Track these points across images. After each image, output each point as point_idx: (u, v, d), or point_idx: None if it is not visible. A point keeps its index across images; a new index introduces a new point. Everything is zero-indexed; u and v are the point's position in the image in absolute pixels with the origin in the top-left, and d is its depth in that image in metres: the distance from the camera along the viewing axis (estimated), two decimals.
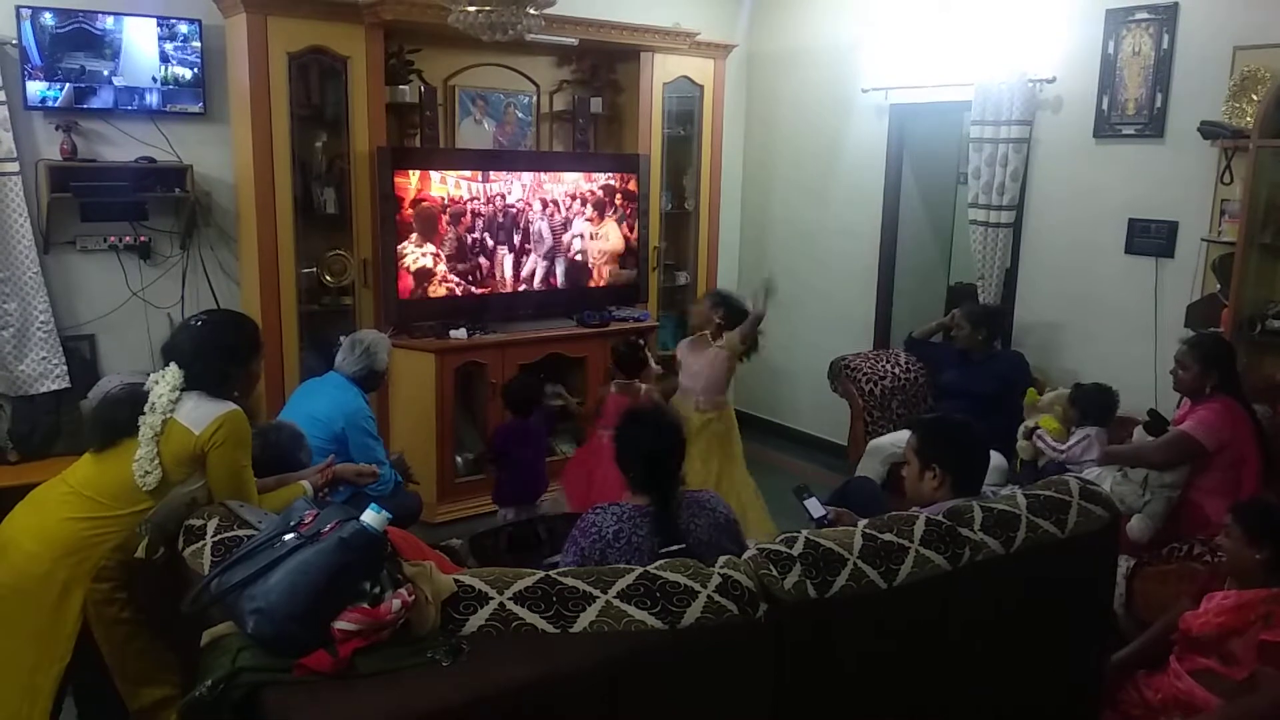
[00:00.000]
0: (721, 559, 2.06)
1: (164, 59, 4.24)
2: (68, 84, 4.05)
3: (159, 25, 4.20)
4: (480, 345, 4.74)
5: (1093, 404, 3.93)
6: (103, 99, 4.14)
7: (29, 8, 3.91)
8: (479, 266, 4.85)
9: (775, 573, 2.03)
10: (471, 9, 3.43)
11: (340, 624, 1.70)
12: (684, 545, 2.31)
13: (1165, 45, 4.22)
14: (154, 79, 4.24)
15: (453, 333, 4.71)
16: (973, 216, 4.93)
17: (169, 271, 4.49)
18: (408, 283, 4.62)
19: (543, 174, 4.99)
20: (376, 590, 1.76)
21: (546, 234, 5.05)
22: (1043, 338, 4.82)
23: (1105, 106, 4.45)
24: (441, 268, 4.71)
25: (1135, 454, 3.53)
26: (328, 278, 4.60)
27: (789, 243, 6.12)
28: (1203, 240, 4.14)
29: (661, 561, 2.02)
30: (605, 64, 5.37)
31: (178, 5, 4.27)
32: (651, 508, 2.40)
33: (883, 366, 4.93)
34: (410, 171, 4.56)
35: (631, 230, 5.29)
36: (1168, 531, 3.41)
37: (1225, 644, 2.50)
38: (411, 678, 1.68)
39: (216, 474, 2.40)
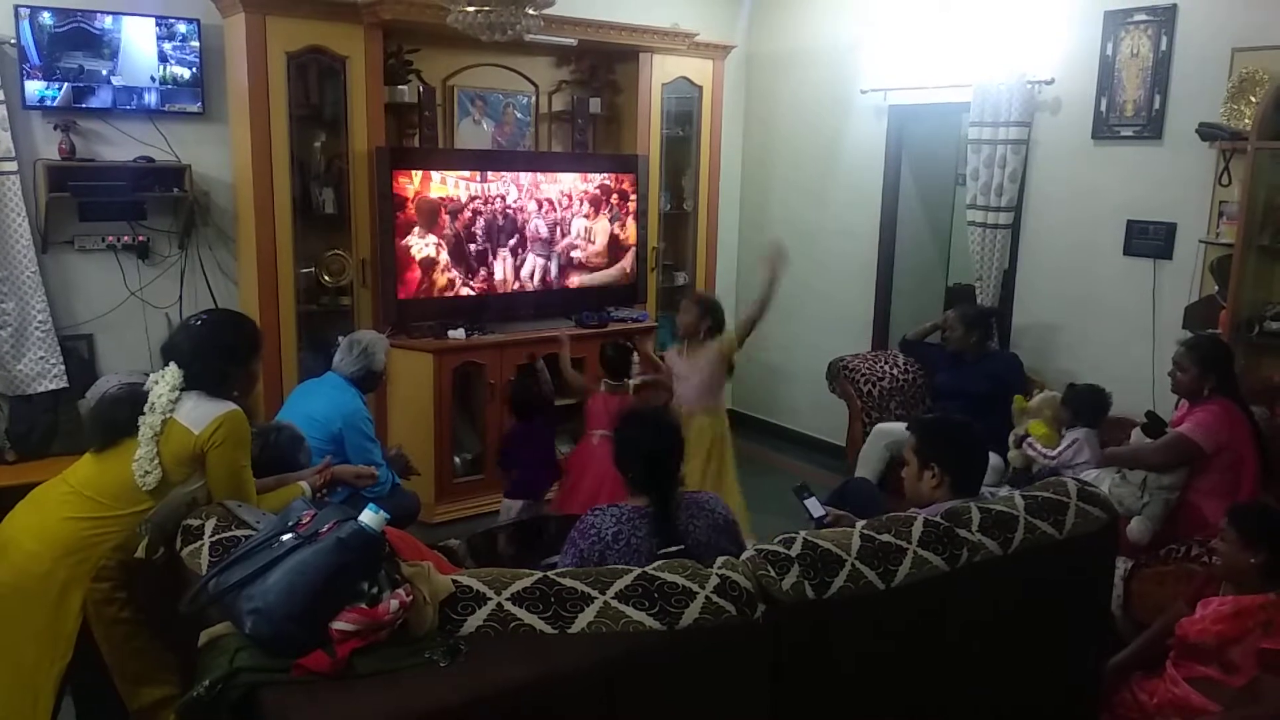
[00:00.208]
0: (719, 560, 2.06)
1: (162, 58, 4.24)
2: (66, 83, 4.05)
3: (157, 25, 4.20)
4: (478, 345, 4.74)
5: (1085, 405, 3.94)
6: (101, 98, 4.13)
7: (27, 7, 3.91)
8: (477, 267, 4.85)
9: (773, 573, 2.03)
10: (470, 9, 3.43)
11: (338, 624, 1.70)
12: (683, 546, 2.31)
13: (1164, 47, 4.22)
14: (152, 79, 4.23)
15: (451, 333, 4.71)
16: (971, 217, 4.93)
17: (167, 271, 4.49)
18: (415, 273, 4.63)
19: (541, 174, 5.00)
20: (374, 590, 1.75)
21: (545, 234, 5.05)
22: (1041, 339, 4.82)
23: (1104, 108, 4.46)
24: (445, 256, 4.72)
25: (1133, 456, 3.54)
26: (326, 278, 4.60)
27: (788, 243, 6.07)
28: (1201, 242, 4.14)
29: (660, 562, 2.02)
30: (604, 64, 5.37)
31: (176, 5, 4.27)
32: (650, 509, 2.41)
33: (881, 367, 4.93)
34: (412, 172, 4.56)
35: (623, 228, 5.28)
36: (1165, 533, 3.42)
37: (1224, 652, 2.49)
38: (409, 678, 1.67)
39: (216, 474, 2.40)
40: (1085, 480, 2.69)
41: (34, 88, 3.99)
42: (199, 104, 4.36)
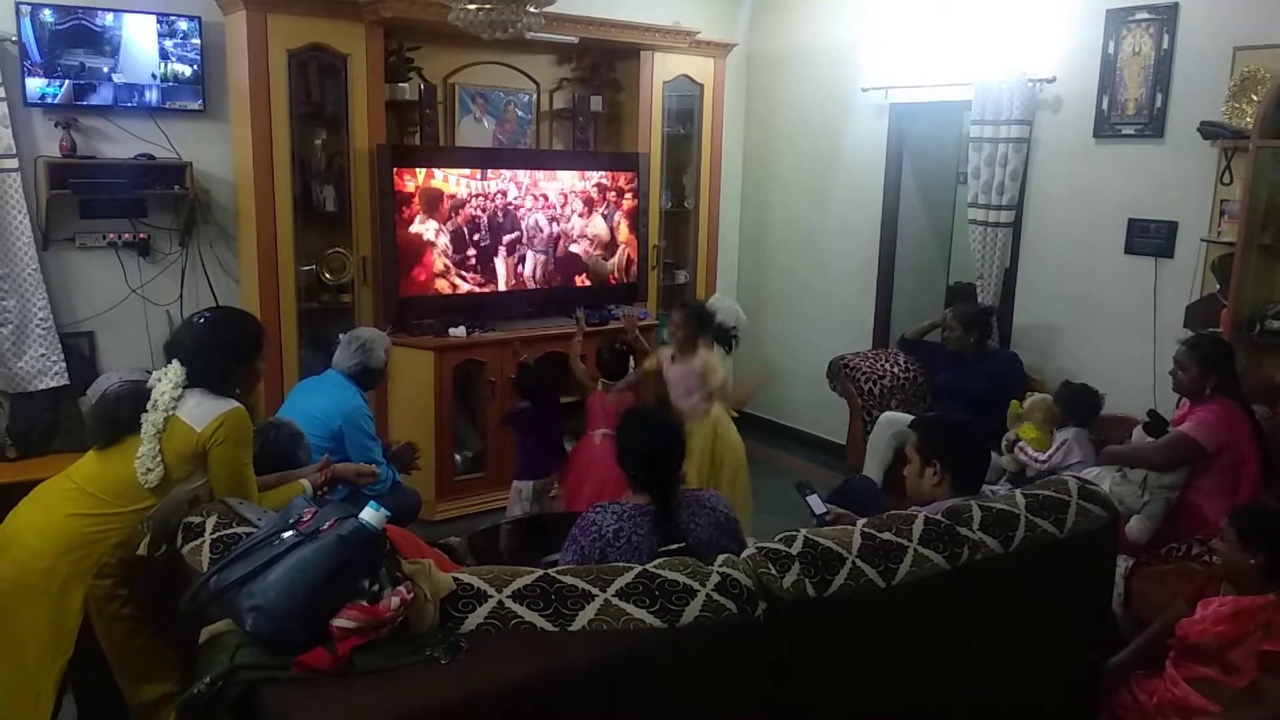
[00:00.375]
0: (720, 557, 2.06)
1: (164, 56, 4.24)
2: (67, 81, 4.04)
3: (159, 22, 4.20)
4: (479, 343, 4.74)
5: (1077, 404, 3.95)
6: (102, 96, 4.13)
7: (29, 4, 3.91)
8: (478, 265, 4.85)
9: (774, 571, 2.03)
10: (471, 7, 3.42)
11: (339, 621, 1.70)
12: (683, 544, 2.31)
13: (1165, 45, 4.22)
14: (153, 76, 4.23)
15: (451, 331, 4.71)
16: (972, 216, 4.93)
17: (168, 269, 4.49)
18: (430, 257, 4.66)
19: (542, 172, 5.00)
20: (375, 588, 1.76)
21: (546, 232, 5.05)
22: (1041, 338, 4.82)
23: (1105, 106, 4.45)
24: (444, 240, 4.71)
25: (1135, 455, 3.53)
26: (327, 275, 4.60)
27: (788, 242, 6.12)
28: (1202, 240, 4.14)
29: (660, 560, 2.02)
30: (605, 62, 5.37)
31: (177, 2, 4.27)
32: (652, 507, 2.41)
33: (882, 366, 4.93)
34: (416, 170, 4.57)
35: (623, 226, 5.28)
36: (1166, 531, 3.41)
37: (1225, 653, 2.49)
38: (410, 675, 1.68)
39: (217, 472, 2.40)
40: (1086, 479, 2.68)
41: (35, 85, 3.99)
42: (200, 101, 4.36)
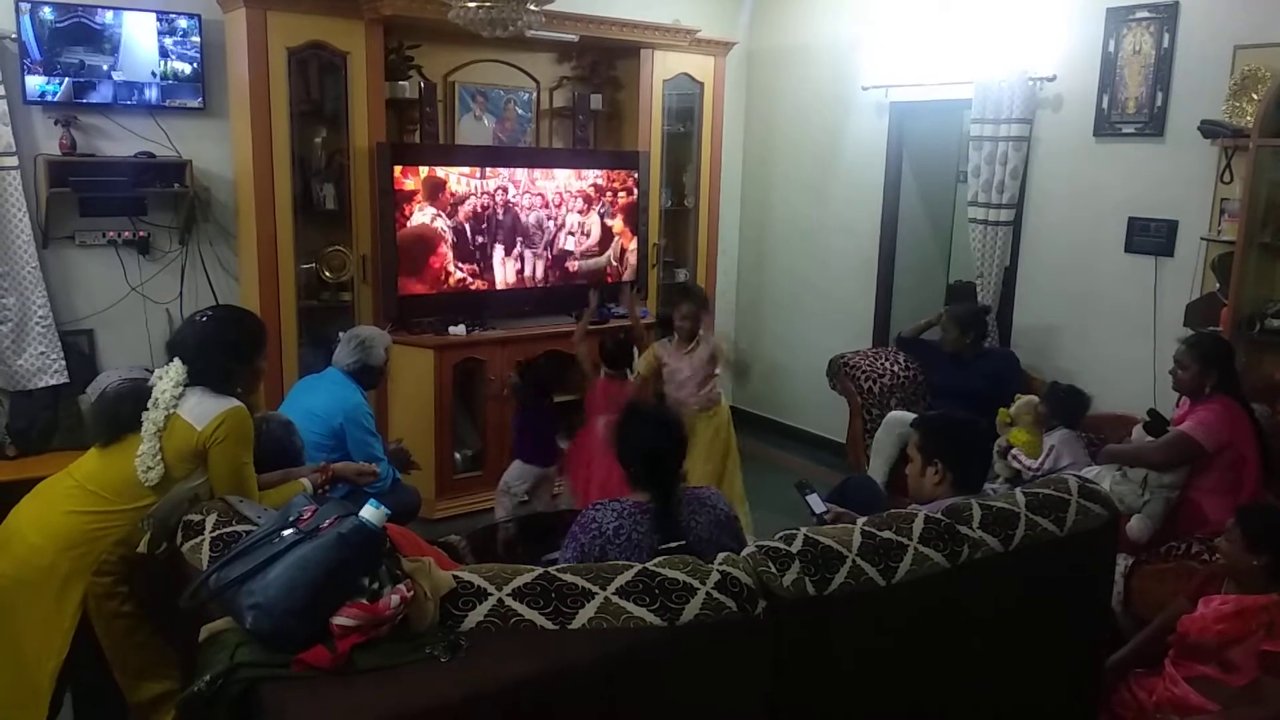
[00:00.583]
0: (720, 556, 2.06)
1: (163, 54, 4.23)
2: (67, 78, 4.04)
3: (158, 20, 4.20)
4: (479, 341, 4.74)
5: (1062, 405, 3.95)
6: (102, 94, 4.13)
7: (28, 2, 3.90)
8: (478, 263, 4.85)
9: (774, 570, 2.03)
10: (471, 4, 3.42)
11: (339, 619, 1.70)
12: (684, 542, 2.31)
13: (1166, 44, 4.22)
14: (153, 74, 4.23)
15: (451, 329, 4.71)
16: (972, 215, 4.93)
17: (168, 267, 4.49)
18: (442, 247, 4.67)
19: (542, 170, 4.99)
20: (375, 586, 1.76)
21: (546, 231, 5.05)
22: (1041, 336, 4.82)
23: (1105, 105, 4.45)
24: (442, 223, 4.70)
25: (1135, 454, 3.53)
26: (327, 273, 4.60)
27: (789, 240, 6.12)
28: (1202, 239, 4.14)
29: (660, 558, 2.02)
30: (605, 60, 5.36)
31: (177, 0, 4.27)
32: (652, 504, 2.40)
33: (882, 364, 4.93)
34: (419, 168, 4.57)
35: (623, 225, 5.27)
36: (1166, 530, 3.41)
37: (1225, 651, 2.49)
38: (410, 673, 1.68)
39: (218, 470, 2.40)
40: (1086, 477, 2.68)
41: (35, 83, 3.99)
42: (200, 99, 4.36)
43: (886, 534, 2.18)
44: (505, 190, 4.87)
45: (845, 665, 2.12)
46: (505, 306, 4.99)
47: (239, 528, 2.11)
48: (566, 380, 4.75)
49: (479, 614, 1.80)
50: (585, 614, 1.83)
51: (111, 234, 4.30)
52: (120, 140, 4.26)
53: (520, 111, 5.22)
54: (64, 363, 4.20)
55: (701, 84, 5.55)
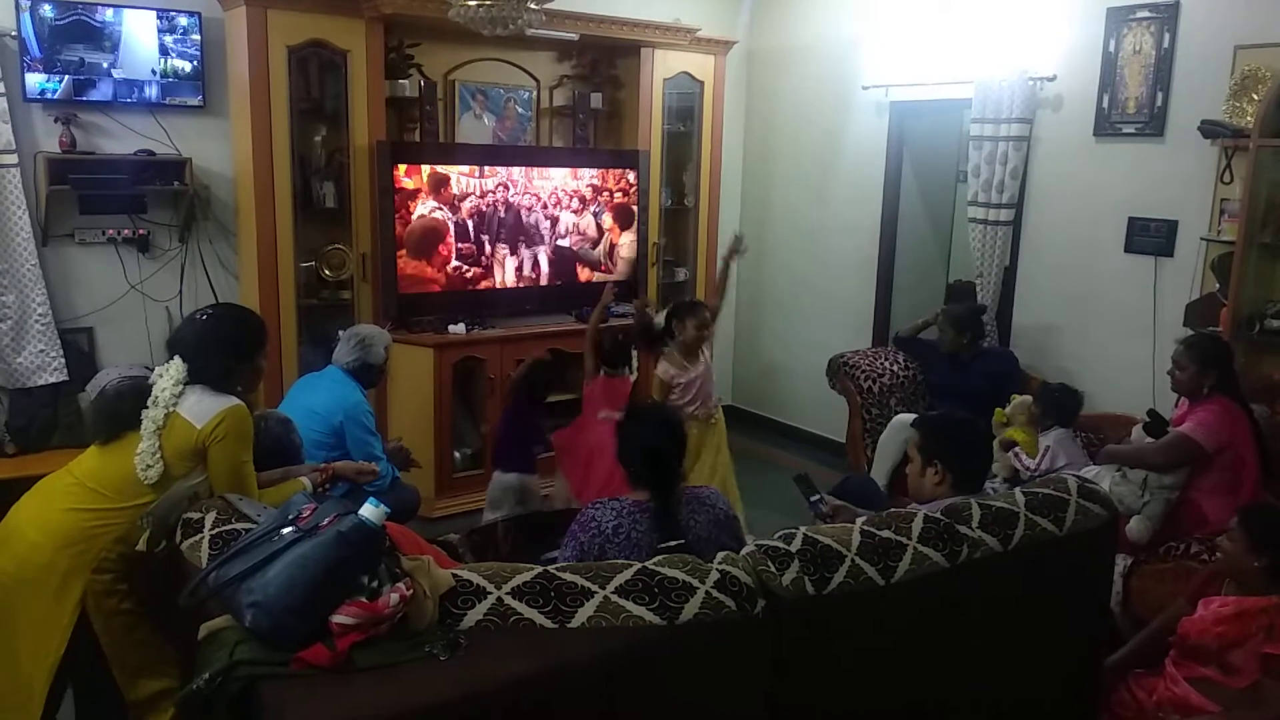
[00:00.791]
0: (720, 555, 2.06)
1: (163, 52, 4.23)
2: (67, 76, 4.04)
3: (159, 18, 4.19)
4: (479, 340, 4.75)
5: (1055, 405, 3.93)
6: (102, 91, 4.13)
7: None
8: (478, 262, 4.85)
9: (773, 569, 2.03)
10: (472, 3, 3.42)
11: (338, 618, 1.70)
12: (683, 541, 2.32)
13: (1166, 44, 4.22)
14: (153, 72, 4.23)
15: (451, 328, 4.71)
16: (972, 214, 4.93)
17: (167, 265, 4.49)
18: (449, 240, 4.67)
19: (542, 169, 4.99)
20: (374, 584, 1.75)
21: (545, 230, 5.05)
22: (1041, 336, 4.82)
23: (1105, 105, 4.45)
24: (443, 214, 4.70)
25: (1135, 455, 3.53)
26: (326, 272, 4.60)
27: (789, 240, 6.12)
28: (1202, 239, 4.14)
29: (660, 557, 2.02)
30: (605, 59, 5.36)
31: None
32: (652, 503, 2.41)
33: (881, 364, 4.92)
34: (421, 167, 4.57)
35: (622, 224, 5.27)
36: (1165, 530, 3.41)
37: (1225, 654, 2.48)
38: (409, 672, 1.68)
39: (217, 469, 2.40)
40: (1086, 477, 2.68)
41: (34, 80, 3.98)
42: (200, 97, 4.35)
43: (886, 533, 2.18)
44: (505, 188, 4.87)
45: (845, 664, 2.12)
46: (505, 305, 4.99)
47: (238, 526, 2.11)
48: (566, 380, 4.74)
49: (478, 613, 1.80)
50: (585, 613, 1.83)
51: (111, 232, 4.30)
52: (120, 138, 4.25)
53: (520, 110, 5.22)
54: (63, 360, 4.20)
55: (701, 83, 5.55)
